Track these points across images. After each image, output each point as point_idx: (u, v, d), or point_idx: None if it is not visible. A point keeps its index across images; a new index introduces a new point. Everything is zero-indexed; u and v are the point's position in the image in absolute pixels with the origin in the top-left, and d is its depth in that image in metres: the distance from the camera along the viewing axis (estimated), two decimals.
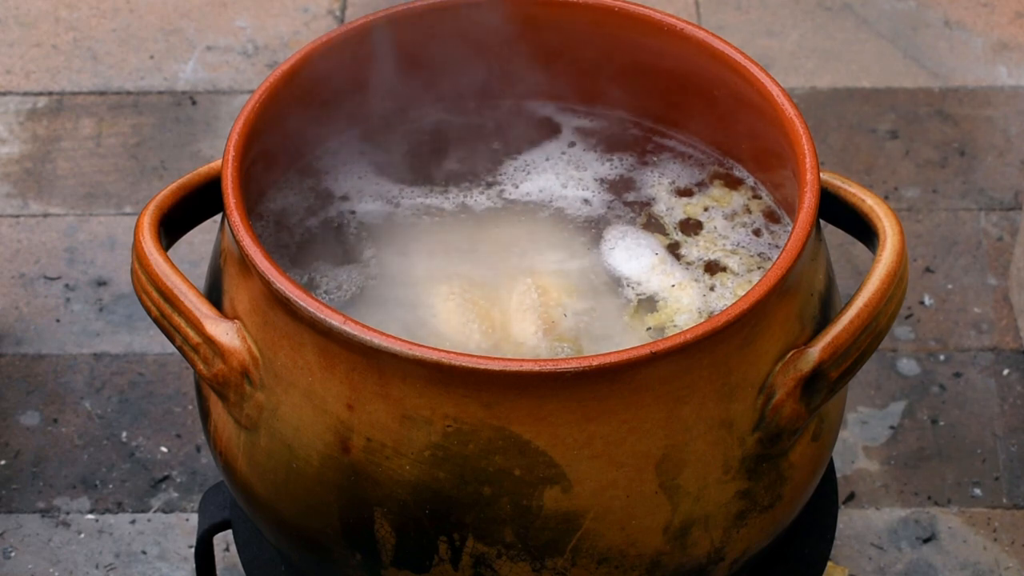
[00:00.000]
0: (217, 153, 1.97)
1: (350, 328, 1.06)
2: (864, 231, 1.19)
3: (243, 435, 1.15)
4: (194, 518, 1.62)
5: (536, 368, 1.04)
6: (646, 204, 1.29)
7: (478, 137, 1.33)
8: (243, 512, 1.25)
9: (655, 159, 1.32)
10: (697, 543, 1.12)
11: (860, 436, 1.69)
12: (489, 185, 1.31)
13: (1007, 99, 2.04)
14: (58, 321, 1.79)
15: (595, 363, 1.05)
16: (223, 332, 1.14)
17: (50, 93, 2.05)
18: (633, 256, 1.25)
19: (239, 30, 2.14)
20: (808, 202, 1.14)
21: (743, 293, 1.17)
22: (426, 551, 1.11)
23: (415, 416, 1.07)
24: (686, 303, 1.21)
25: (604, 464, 1.08)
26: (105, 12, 2.17)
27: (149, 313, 1.17)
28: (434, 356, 1.05)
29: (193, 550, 1.51)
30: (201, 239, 1.81)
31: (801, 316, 1.14)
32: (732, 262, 1.24)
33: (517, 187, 1.30)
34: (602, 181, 1.31)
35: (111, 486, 1.65)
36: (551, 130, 1.34)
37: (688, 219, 1.28)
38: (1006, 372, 1.74)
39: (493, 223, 1.28)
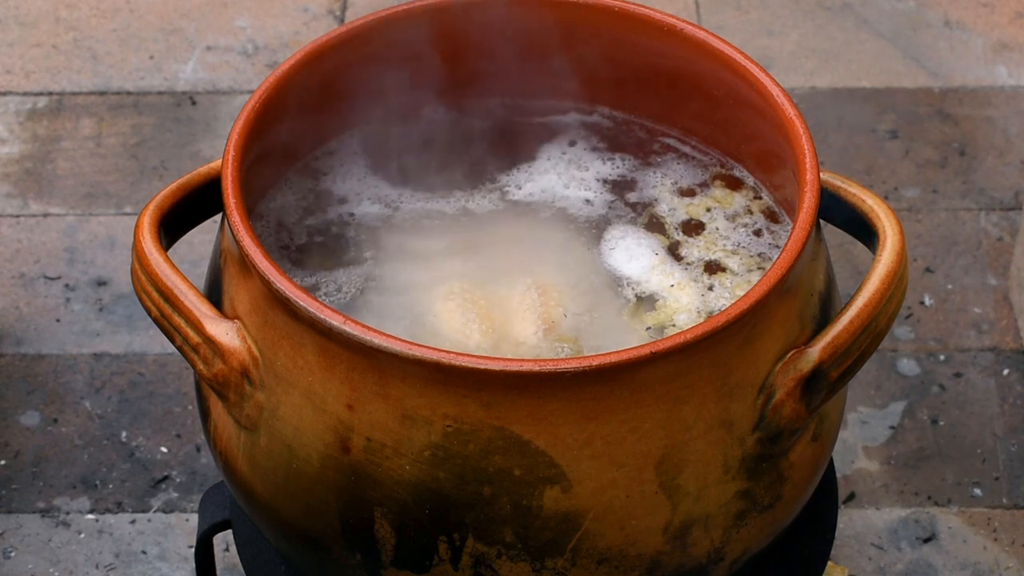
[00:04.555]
0: (217, 153, 1.97)
1: (350, 328, 1.06)
2: (864, 231, 1.19)
3: (243, 435, 1.15)
4: (194, 518, 1.62)
5: (536, 368, 1.04)
6: (648, 205, 1.29)
7: (478, 138, 1.33)
8: (243, 512, 1.25)
9: (657, 160, 1.32)
10: (697, 543, 1.12)
11: (860, 436, 1.69)
12: (490, 188, 1.31)
13: (1007, 99, 2.04)
14: (58, 321, 1.80)
15: (595, 363, 1.05)
16: (223, 332, 1.14)
17: (50, 93, 2.05)
18: (633, 256, 1.25)
19: (239, 30, 2.14)
20: (808, 202, 1.14)
21: (742, 293, 1.17)
22: (426, 551, 1.11)
23: (415, 416, 1.07)
24: (685, 303, 1.21)
25: (604, 464, 1.08)
26: (105, 12, 2.17)
27: (149, 313, 1.17)
28: (434, 356, 1.05)
29: (193, 550, 1.51)
30: (201, 239, 1.81)
31: (801, 316, 1.14)
32: (732, 262, 1.24)
33: (520, 188, 1.30)
34: (604, 181, 1.31)
35: (111, 486, 1.65)
36: (552, 130, 1.34)
37: (690, 220, 1.28)
38: (1006, 372, 1.74)
39: (493, 223, 1.28)
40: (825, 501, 1.33)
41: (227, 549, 1.60)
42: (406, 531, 1.11)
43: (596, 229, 1.27)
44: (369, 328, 1.06)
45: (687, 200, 1.29)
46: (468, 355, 1.05)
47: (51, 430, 1.70)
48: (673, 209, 1.28)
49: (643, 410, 1.07)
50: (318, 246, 1.26)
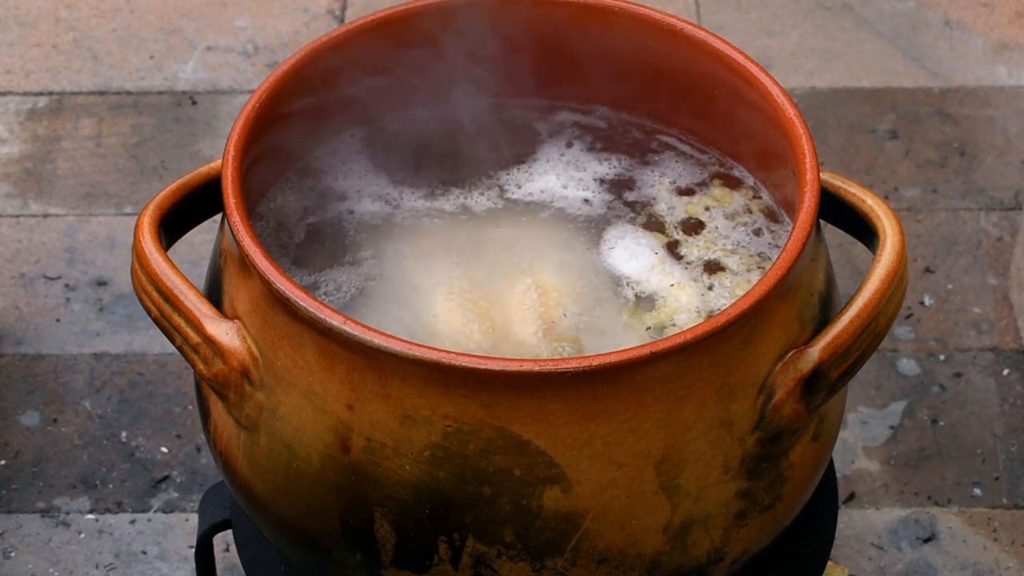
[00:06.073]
0: (217, 153, 1.97)
1: (350, 328, 1.06)
2: (864, 231, 1.19)
3: (243, 435, 1.15)
4: (194, 518, 1.62)
5: (536, 368, 1.04)
6: (647, 204, 1.29)
7: (478, 137, 1.33)
8: (243, 512, 1.25)
9: (656, 159, 1.32)
10: (697, 543, 1.12)
11: (860, 436, 1.69)
12: (489, 186, 1.31)
13: (1007, 99, 2.04)
14: (58, 321, 1.80)
15: (595, 363, 1.05)
16: (223, 332, 1.14)
17: (50, 93, 2.05)
18: (633, 256, 1.25)
19: (239, 30, 2.14)
20: (808, 202, 1.14)
21: (742, 292, 1.17)
22: (426, 551, 1.11)
23: (415, 416, 1.07)
24: (685, 302, 1.21)
25: (604, 464, 1.08)
26: (105, 12, 2.17)
27: (149, 313, 1.17)
28: (434, 356, 1.05)
29: (193, 550, 1.51)
30: (201, 239, 1.81)
31: (801, 316, 1.14)
32: (731, 262, 1.24)
33: (519, 187, 1.30)
34: (602, 181, 1.31)
35: (111, 486, 1.65)
36: (551, 130, 1.34)
37: (689, 219, 1.28)
38: (1006, 372, 1.74)
39: (493, 223, 1.28)
40: (825, 501, 1.33)
41: (227, 549, 1.60)
42: (406, 531, 1.11)
43: (595, 229, 1.27)
44: (369, 328, 1.06)
45: (686, 199, 1.29)
46: (468, 355, 1.05)
47: (51, 430, 1.70)
48: (672, 208, 1.28)
49: (643, 410, 1.07)
50: (318, 245, 1.26)
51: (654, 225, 1.27)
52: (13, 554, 1.60)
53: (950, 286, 1.83)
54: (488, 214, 1.28)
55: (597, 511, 1.09)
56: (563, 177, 1.31)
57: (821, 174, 1.19)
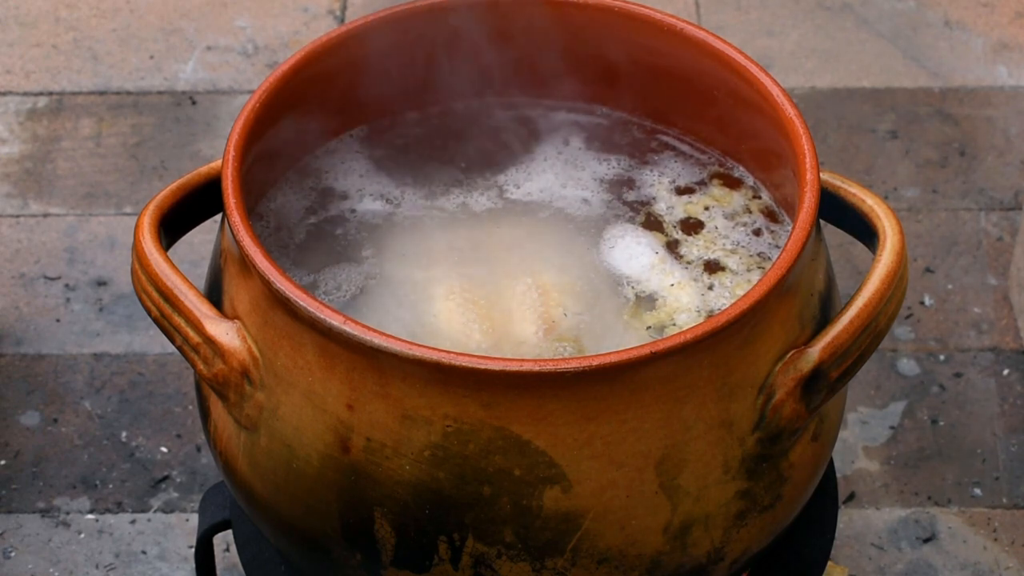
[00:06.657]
0: (217, 153, 1.97)
1: (350, 328, 1.06)
2: (864, 231, 1.19)
3: (243, 435, 1.15)
4: (194, 518, 1.62)
5: (536, 368, 1.04)
6: (646, 203, 1.29)
7: (478, 137, 1.33)
8: (243, 512, 1.25)
9: (655, 159, 1.32)
10: (697, 543, 1.12)
11: (860, 436, 1.69)
12: (488, 186, 1.31)
13: (1007, 99, 2.04)
14: (58, 321, 1.80)
15: (595, 363, 1.05)
16: (223, 332, 1.14)
17: (50, 93, 2.05)
18: (633, 255, 1.25)
19: (239, 30, 2.15)
20: (808, 202, 1.14)
21: (742, 292, 1.17)
22: (426, 551, 1.11)
23: (415, 416, 1.07)
24: (685, 302, 1.21)
25: (604, 464, 1.08)
26: (105, 12, 2.17)
27: (149, 313, 1.17)
28: (434, 356, 1.05)
29: (193, 550, 1.51)
30: (201, 239, 1.81)
31: (801, 316, 1.14)
32: (731, 261, 1.24)
33: (518, 187, 1.30)
34: (601, 181, 1.31)
35: (111, 486, 1.65)
36: (551, 130, 1.34)
37: (688, 218, 1.28)
38: (1006, 372, 1.74)
39: (493, 223, 1.28)
40: (825, 501, 1.33)
41: (227, 549, 1.60)
42: (406, 531, 1.11)
43: (595, 228, 1.27)
44: (369, 328, 1.06)
45: (685, 198, 1.29)
46: (468, 355, 1.05)
47: (51, 430, 1.70)
48: (671, 207, 1.28)
49: (643, 410, 1.07)
50: (318, 245, 1.26)
51: (653, 225, 1.27)
52: (13, 554, 1.60)
53: (950, 286, 1.83)
54: (488, 214, 1.28)
55: (597, 511, 1.09)
56: (562, 177, 1.31)
57: (821, 174, 1.19)
